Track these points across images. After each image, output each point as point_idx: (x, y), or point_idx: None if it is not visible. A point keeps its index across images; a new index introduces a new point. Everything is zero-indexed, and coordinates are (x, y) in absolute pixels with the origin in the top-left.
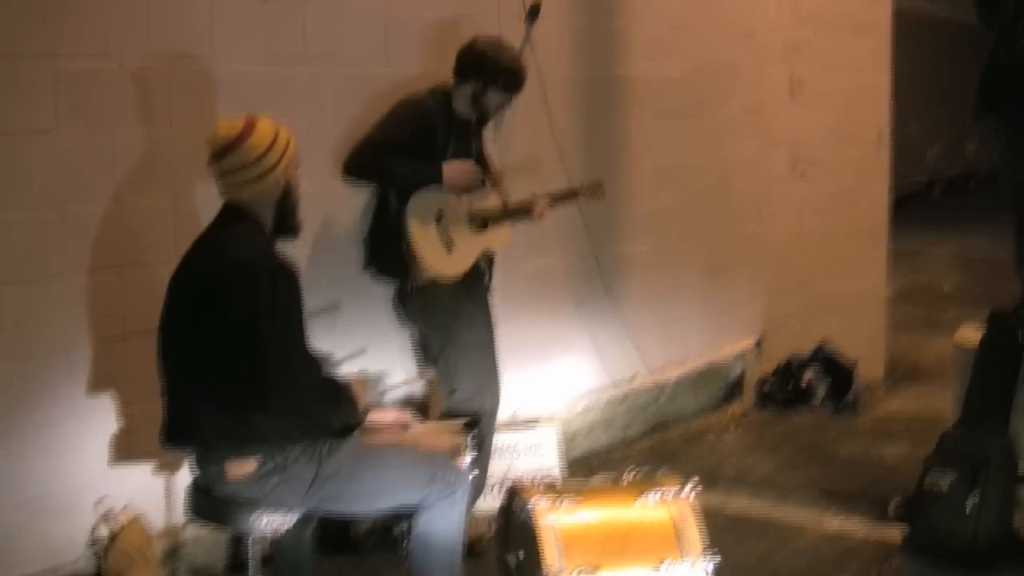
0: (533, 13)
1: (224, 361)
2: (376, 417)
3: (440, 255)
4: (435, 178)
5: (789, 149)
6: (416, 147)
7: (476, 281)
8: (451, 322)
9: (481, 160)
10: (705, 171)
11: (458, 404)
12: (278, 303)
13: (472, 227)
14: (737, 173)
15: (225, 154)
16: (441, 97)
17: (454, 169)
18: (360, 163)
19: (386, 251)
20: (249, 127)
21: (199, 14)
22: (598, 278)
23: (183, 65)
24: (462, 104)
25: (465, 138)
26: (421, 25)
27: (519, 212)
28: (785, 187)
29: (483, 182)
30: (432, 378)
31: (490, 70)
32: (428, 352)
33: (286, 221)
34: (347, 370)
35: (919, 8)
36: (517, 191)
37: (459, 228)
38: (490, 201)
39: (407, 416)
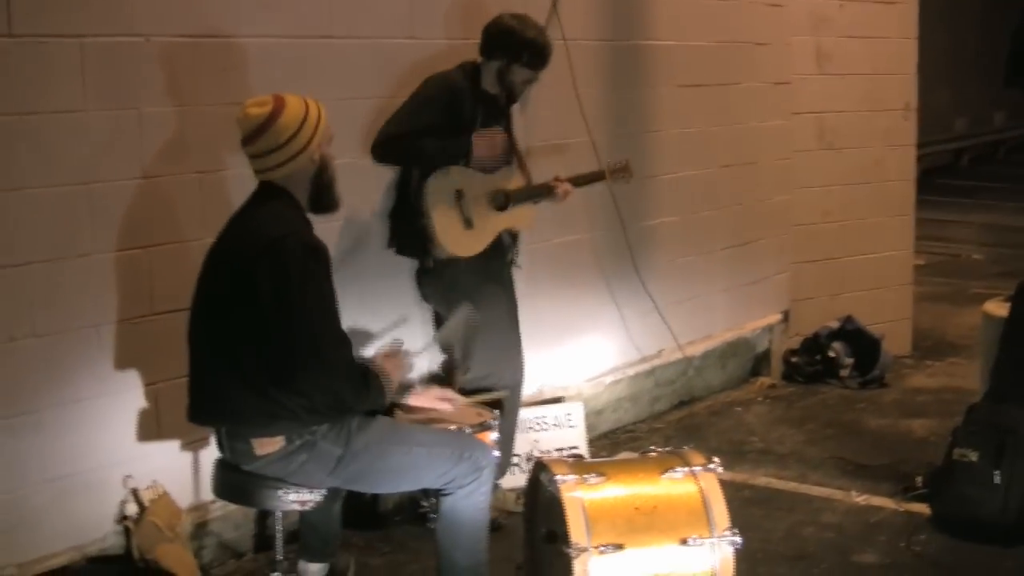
0: None
1: (252, 338)
2: (417, 399)
3: (457, 233)
4: (464, 149)
5: (815, 120)
6: (443, 124)
7: (497, 259)
8: (468, 299)
9: (509, 138)
10: (731, 143)
11: (471, 383)
12: (308, 279)
13: (493, 206)
14: (763, 144)
15: (256, 136)
16: (471, 72)
17: (482, 138)
18: (388, 145)
19: (406, 229)
20: (279, 107)
21: None
22: (625, 252)
23: (209, 42)
24: (489, 81)
25: (493, 115)
26: None
27: (542, 192)
28: (811, 158)
29: (509, 160)
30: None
31: (514, 46)
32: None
33: (323, 197)
34: (381, 342)
35: None
36: (544, 163)
37: (479, 206)
38: (513, 181)
39: (449, 392)
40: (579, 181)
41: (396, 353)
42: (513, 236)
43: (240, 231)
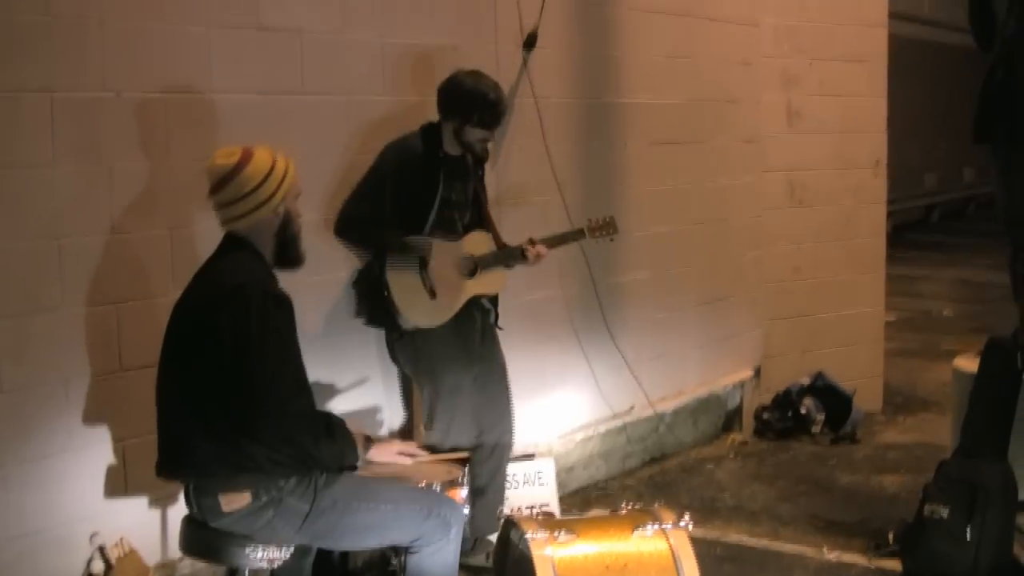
0: (530, 42)
1: (216, 388)
2: (378, 454)
3: (421, 304)
4: (422, 246)
5: (786, 177)
6: (401, 197)
7: (469, 321)
8: (435, 366)
9: (479, 200)
10: (702, 199)
11: (431, 442)
12: (269, 327)
13: (460, 273)
14: (734, 201)
15: (222, 185)
16: (431, 134)
17: (440, 250)
18: (348, 231)
19: (371, 300)
20: (246, 158)
21: (196, 46)
22: (596, 308)
23: (181, 97)
24: (449, 142)
25: (457, 177)
26: (418, 53)
27: (513, 255)
28: (782, 215)
29: (477, 224)
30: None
31: (465, 107)
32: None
33: (287, 252)
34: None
35: (915, 33)
36: (515, 218)
37: (445, 274)
38: (482, 245)
39: (411, 447)
40: (554, 242)
41: (362, 434)
42: (493, 300)
43: (203, 282)
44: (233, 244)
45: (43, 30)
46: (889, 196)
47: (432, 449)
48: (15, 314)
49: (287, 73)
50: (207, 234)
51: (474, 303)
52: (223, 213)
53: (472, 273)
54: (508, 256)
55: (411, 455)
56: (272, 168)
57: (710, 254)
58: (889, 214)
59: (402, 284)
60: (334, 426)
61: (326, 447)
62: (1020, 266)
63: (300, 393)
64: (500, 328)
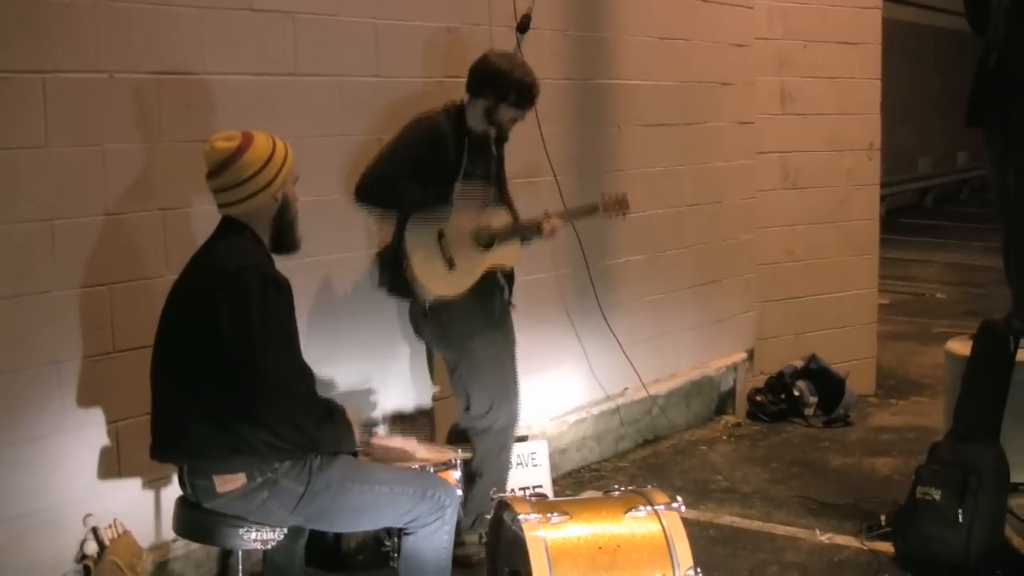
0: (524, 24)
1: (213, 371)
2: (379, 443)
3: (439, 275)
4: (445, 202)
5: (780, 160)
6: (426, 166)
7: (490, 296)
8: (465, 339)
9: (499, 176)
10: (696, 182)
11: (471, 421)
12: (268, 311)
13: (477, 245)
14: (728, 184)
15: (220, 170)
16: (455, 113)
17: (466, 191)
18: (369, 188)
19: (392, 272)
20: (246, 142)
21: (189, 27)
22: (590, 290)
23: (173, 78)
24: (475, 120)
25: (480, 153)
26: (411, 35)
27: (529, 229)
28: (776, 198)
29: (499, 199)
30: (439, 394)
31: (502, 86)
32: (439, 363)
33: (284, 236)
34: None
35: (910, 17)
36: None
37: (462, 246)
38: (499, 218)
39: (412, 442)
40: (569, 216)
41: (356, 414)
42: (508, 277)
43: (201, 265)
44: (231, 227)
45: (35, 11)
46: (883, 180)
47: (465, 425)
48: (8, 295)
49: (280, 55)
50: (201, 216)
51: (492, 279)
52: (221, 197)
53: (489, 245)
54: (525, 229)
55: (411, 452)
56: (272, 153)
57: (703, 236)
58: (883, 198)
59: (420, 255)
60: (334, 411)
61: (326, 431)
62: (1013, 250)
63: (301, 376)
64: (513, 305)
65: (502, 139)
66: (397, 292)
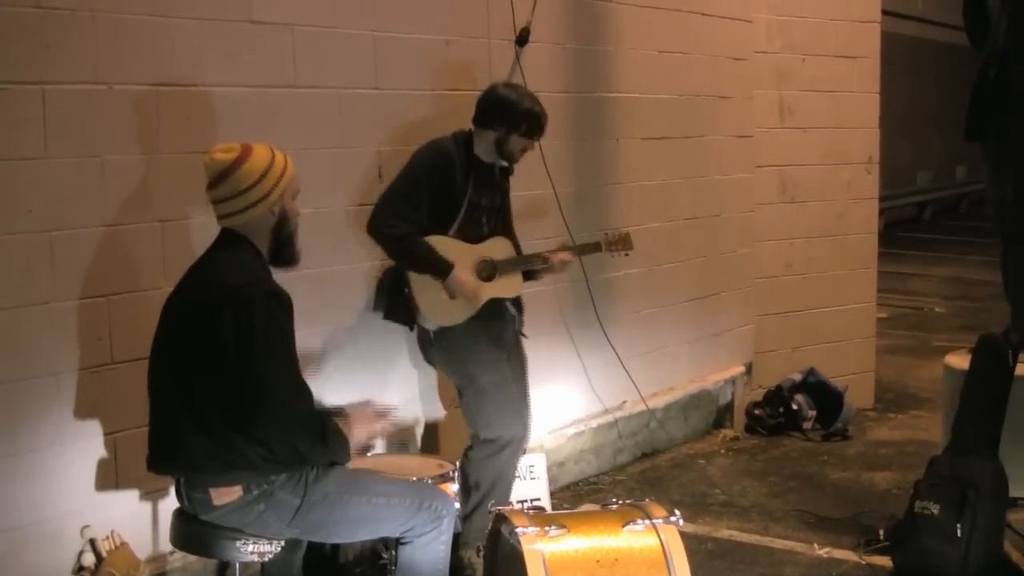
0: (523, 37)
1: (213, 385)
2: (358, 427)
3: (439, 303)
4: (442, 275)
5: (778, 173)
6: (435, 191)
7: (498, 322)
8: (470, 365)
9: (504, 208)
10: (694, 195)
11: (478, 443)
12: (270, 328)
13: (479, 276)
14: (726, 197)
15: (219, 181)
16: (463, 140)
17: (460, 284)
18: (384, 233)
19: (392, 297)
20: (244, 154)
21: (188, 39)
22: (588, 303)
23: (173, 90)
24: (484, 150)
25: (486, 184)
26: (410, 47)
27: (534, 261)
28: (774, 211)
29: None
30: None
31: (513, 117)
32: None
33: (283, 250)
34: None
35: (909, 31)
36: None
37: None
38: (502, 250)
39: (383, 409)
40: (575, 251)
41: (366, 414)
42: (518, 306)
43: (201, 278)
44: (230, 240)
45: (34, 22)
46: (881, 193)
47: (474, 444)
48: (6, 307)
49: (279, 67)
50: (199, 228)
51: (499, 307)
52: (220, 208)
53: (490, 277)
54: (530, 262)
55: (384, 414)
56: (270, 165)
57: (702, 250)
58: (881, 211)
59: (422, 282)
60: (328, 427)
61: (319, 448)
62: (1011, 264)
63: (299, 392)
64: (524, 336)
65: (508, 171)
66: (394, 317)
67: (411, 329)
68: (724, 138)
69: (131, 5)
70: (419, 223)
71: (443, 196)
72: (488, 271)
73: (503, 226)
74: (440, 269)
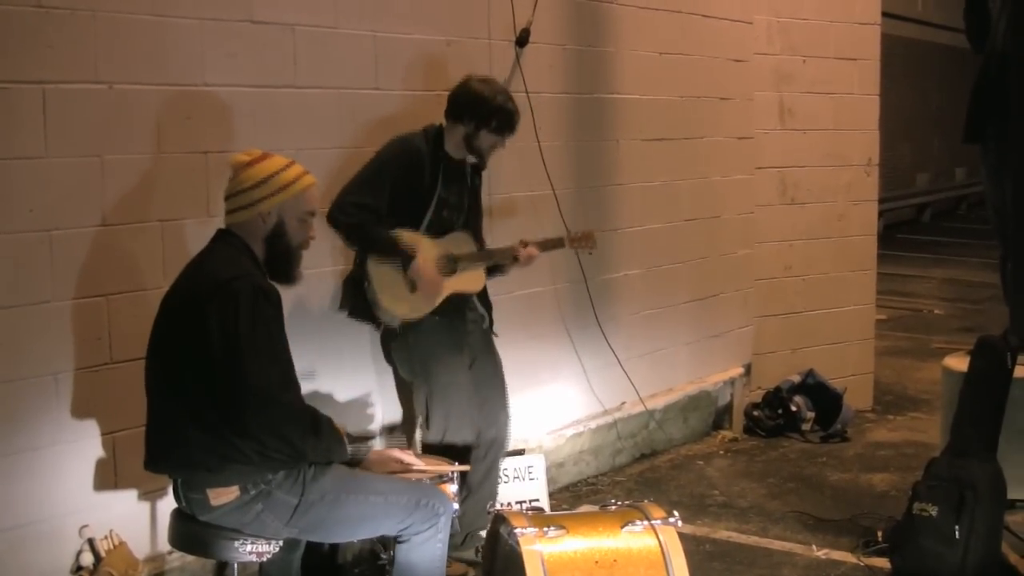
0: (523, 38)
1: (204, 381)
2: (376, 458)
3: (401, 297)
4: (403, 262)
5: (778, 175)
6: (401, 187)
7: (460, 320)
8: (428, 361)
9: (473, 205)
10: (694, 196)
11: (429, 441)
12: (257, 321)
13: (441, 271)
14: (726, 198)
15: (231, 179)
16: (433, 136)
17: (422, 273)
18: (341, 221)
19: (354, 292)
20: (259, 158)
21: (189, 39)
22: (588, 304)
23: (173, 89)
24: (453, 146)
25: (455, 180)
26: (411, 49)
27: (499, 256)
28: (774, 213)
29: (467, 226)
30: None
31: (482, 112)
32: (410, 389)
33: (277, 264)
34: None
35: (909, 33)
36: (506, 213)
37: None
38: (464, 245)
39: (410, 454)
40: (540, 246)
41: (388, 458)
42: (486, 304)
43: (192, 275)
44: (225, 238)
45: (35, 22)
46: (881, 195)
47: (430, 448)
48: (5, 306)
49: (280, 67)
50: (199, 227)
51: (464, 304)
52: (224, 205)
53: (452, 272)
54: (496, 256)
55: (409, 464)
56: (272, 175)
57: (702, 251)
58: (881, 213)
59: (382, 277)
60: (320, 422)
61: (312, 442)
62: (1010, 266)
63: (288, 387)
64: (495, 335)
65: (480, 167)
66: (358, 315)
67: (376, 327)
68: (724, 139)
69: (132, 5)
70: (378, 212)
71: (411, 193)
72: (449, 266)
73: (471, 223)
74: (400, 256)
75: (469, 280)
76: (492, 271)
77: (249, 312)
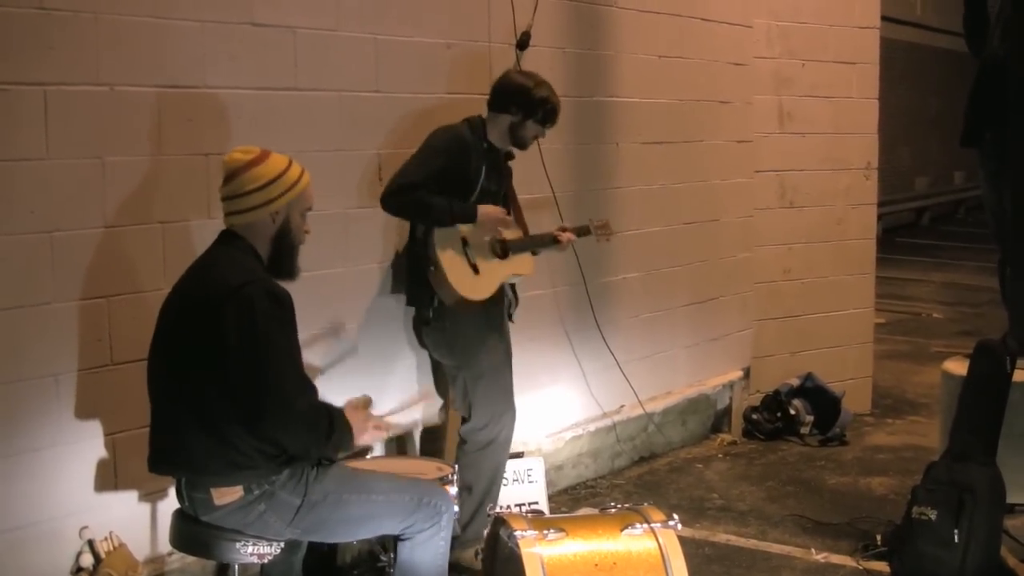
0: (523, 41)
1: (215, 385)
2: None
3: (467, 278)
4: (471, 217)
5: (777, 178)
6: (450, 175)
7: (496, 308)
8: (469, 347)
9: (509, 190)
10: (693, 200)
11: (471, 432)
12: (272, 326)
13: (494, 254)
14: (725, 202)
15: (230, 179)
16: (477, 126)
17: (488, 211)
18: (397, 197)
19: (412, 277)
20: (261, 157)
21: (190, 41)
22: (587, 307)
23: (174, 92)
24: (497, 135)
25: (495, 169)
26: (411, 51)
27: (543, 242)
28: (773, 216)
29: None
30: (438, 402)
31: (529, 103)
32: (446, 377)
33: (281, 261)
34: (350, 394)
35: (908, 37)
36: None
37: (482, 254)
38: (512, 230)
39: (381, 422)
40: (575, 232)
41: (363, 407)
42: (515, 292)
43: (201, 277)
44: (229, 240)
45: (37, 23)
46: (880, 199)
47: (467, 436)
48: (6, 307)
49: (280, 69)
50: (200, 229)
51: (502, 292)
52: (225, 207)
53: (504, 255)
54: (539, 241)
55: (382, 429)
56: (282, 174)
57: (701, 254)
58: (880, 217)
59: (449, 258)
60: (335, 418)
61: (328, 444)
62: (1008, 270)
63: (303, 388)
64: (512, 321)
65: (510, 155)
66: (414, 300)
67: (425, 310)
68: (724, 143)
69: (133, 7)
70: (431, 187)
71: (457, 182)
72: (500, 249)
73: (512, 210)
74: (465, 212)
75: (520, 264)
76: (537, 252)
77: (265, 316)
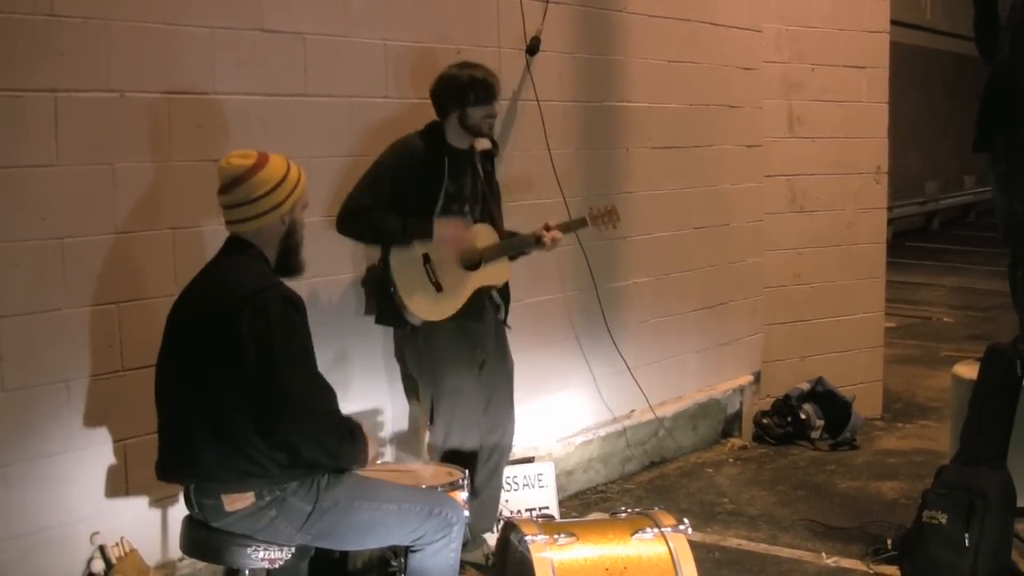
0: (533, 46)
1: (230, 392)
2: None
3: (427, 298)
4: (427, 234)
5: (787, 183)
6: (404, 187)
7: (474, 323)
8: (437, 366)
9: (487, 193)
10: (703, 204)
11: (433, 442)
12: (290, 331)
13: (463, 266)
14: (735, 206)
15: (232, 187)
16: (435, 131)
17: (444, 229)
18: (348, 221)
19: (379, 298)
20: (261, 162)
21: (200, 47)
22: (598, 312)
23: (184, 98)
24: (455, 136)
25: (463, 171)
26: (421, 56)
27: (524, 244)
28: (783, 221)
29: (485, 217)
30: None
31: (459, 92)
32: (418, 391)
33: (289, 260)
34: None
35: (918, 41)
36: (516, 220)
37: (449, 267)
38: (484, 237)
39: (419, 465)
40: (562, 228)
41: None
42: (505, 296)
43: (212, 285)
44: (238, 247)
45: (47, 30)
46: (890, 203)
47: (432, 449)
48: (18, 313)
49: (291, 75)
50: (210, 235)
51: (486, 298)
52: (231, 214)
53: (476, 265)
54: (519, 244)
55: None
56: (285, 176)
57: (711, 259)
58: (890, 221)
59: (407, 280)
60: (354, 428)
61: (348, 447)
62: (1019, 274)
63: (322, 393)
64: (508, 327)
65: (492, 154)
66: (385, 320)
67: (403, 330)
68: (733, 147)
69: (144, 13)
70: (383, 206)
71: (415, 191)
72: (473, 261)
73: (490, 213)
74: (418, 230)
75: (494, 273)
76: (516, 256)
77: (281, 322)
